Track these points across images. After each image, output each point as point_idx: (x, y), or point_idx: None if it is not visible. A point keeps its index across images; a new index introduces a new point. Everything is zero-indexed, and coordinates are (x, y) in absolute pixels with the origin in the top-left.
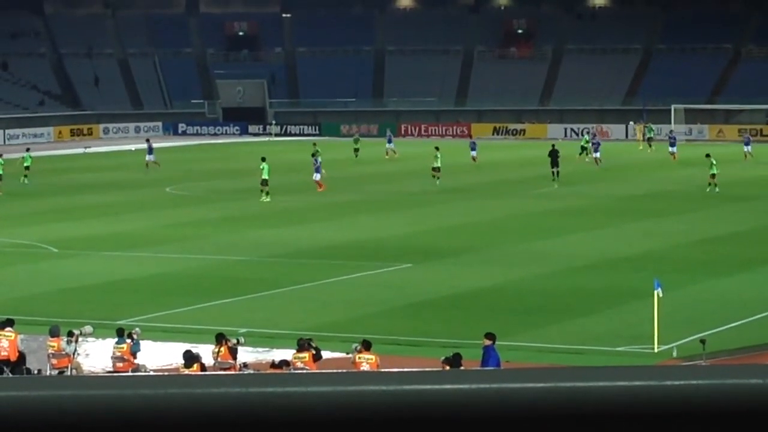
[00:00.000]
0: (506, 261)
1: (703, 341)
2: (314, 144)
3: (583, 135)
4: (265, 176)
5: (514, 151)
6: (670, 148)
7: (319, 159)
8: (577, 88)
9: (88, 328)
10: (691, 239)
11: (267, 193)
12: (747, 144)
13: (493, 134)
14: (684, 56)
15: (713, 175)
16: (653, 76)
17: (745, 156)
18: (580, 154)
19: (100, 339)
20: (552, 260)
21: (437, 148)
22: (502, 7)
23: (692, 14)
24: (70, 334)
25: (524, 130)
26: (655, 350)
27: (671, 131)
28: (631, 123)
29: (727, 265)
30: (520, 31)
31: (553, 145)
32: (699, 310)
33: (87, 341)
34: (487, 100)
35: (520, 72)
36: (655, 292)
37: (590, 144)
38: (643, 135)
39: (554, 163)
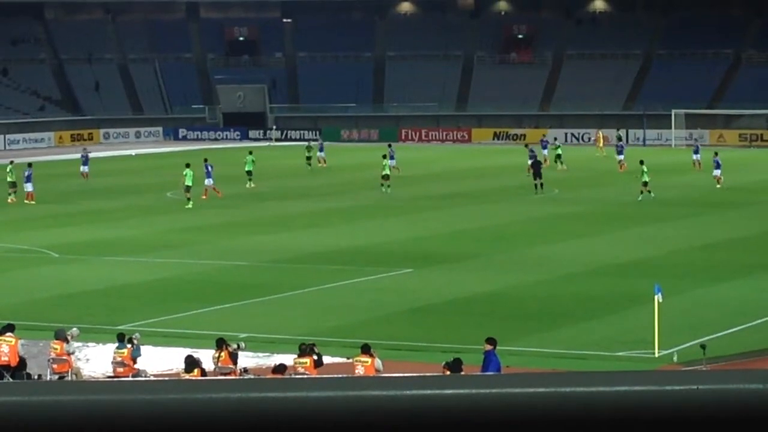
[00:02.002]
0: (507, 266)
1: (703, 346)
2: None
3: (555, 142)
4: (188, 183)
5: (514, 157)
6: (618, 156)
7: (211, 166)
8: (578, 93)
9: (75, 330)
10: (691, 245)
11: (188, 200)
12: (696, 152)
13: (493, 139)
14: (684, 61)
15: (645, 183)
16: (653, 81)
17: (694, 164)
18: (555, 161)
19: (100, 344)
20: (552, 265)
21: (385, 156)
22: (503, 13)
23: (692, 20)
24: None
25: (525, 135)
26: (656, 355)
27: (619, 137)
28: (596, 130)
29: (727, 270)
30: (520, 37)
31: (535, 156)
32: (699, 315)
33: (87, 346)
34: (488, 105)
35: (521, 77)
36: (656, 297)
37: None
38: (605, 142)
39: (537, 174)
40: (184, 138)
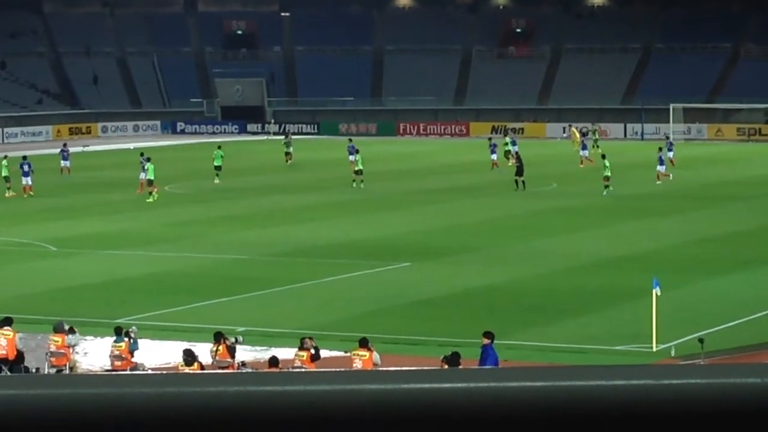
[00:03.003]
0: (505, 260)
1: (701, 340)
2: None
3: (506, 136)
4: (150, 176)
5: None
6: (582, 152)
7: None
8: (576, 87)
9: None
10: (689, 239)
11: (151, 194)
12: (670, 149)
13: (492, 133)
14: (683, 56)
15: (607, 177)
16: (652, 75)
17: (671, 162)
18: (506, 157)
19: (98, 338)
20: (551, 259)
21: (358, 151)
22: (501, 7)
23: (691, 14)
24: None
25: (523, 129)
26: (654, 349)
27: (584, 133)
28: (569, 125)
29: (725, 264)
30: (518, 31)
31: (517, 153)
32: (697, 309)
33: (85, 340)
34: (486, 99)
35: (519, 71)
36: (654, 291)
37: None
38: (583, 136)
39: (519, 171)
40: (183, 132)
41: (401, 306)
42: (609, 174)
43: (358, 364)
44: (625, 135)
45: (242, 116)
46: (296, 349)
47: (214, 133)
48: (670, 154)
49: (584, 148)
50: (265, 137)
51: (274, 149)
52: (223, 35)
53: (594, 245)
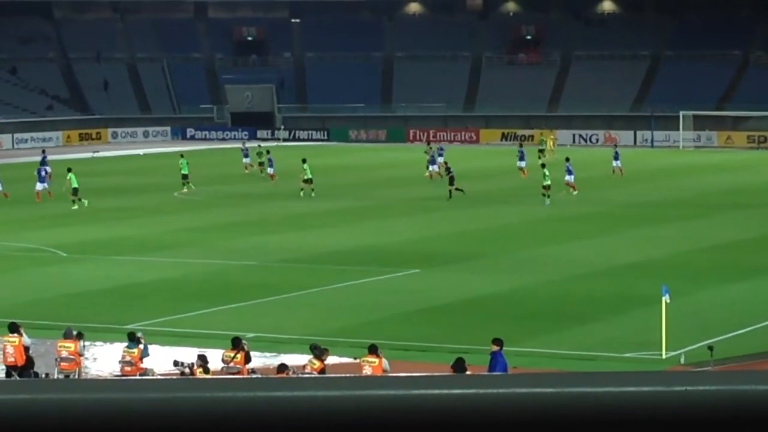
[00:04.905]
0: (514, 267)
1: (710, 348)
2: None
3: (430, 144)
4: (74, 185)
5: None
6: (433, 164)
7: (48, 169)
8: (586, 94)
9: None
10: (699, 246)
11: (74, 202)
12: (616, 158)
13: (501, 140)
14: (692, 63)
15: (546, 187)
16: (662, 82)
17: (614, 171)
18: (427, 168)
19: (107, 343)
20: (559, 266)
21: (304, 160)
22: (511, 13)
23: (701, 21)
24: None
25: (532, 136)
26: (663, 357)
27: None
28: (548, 131)
29: (734, 271)
30: (528, 37)
31: (446, 163)
32: (707, 316)
33: (94, 345)
34: (496, 105)
35: (529, 78)
36: (663, 299)
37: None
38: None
39: (451, 180)
40: (192, 138)
41: (410, 312)
42: (549, 183)
43: (367, 371)
44: (635, 142)
45: (252, 122)
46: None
47: (223, 139)
48: (617, 163)
49: (521, 159)
50: (275, 143)
51: (283, 156)
52: (233, 41)
53: (603, 252)
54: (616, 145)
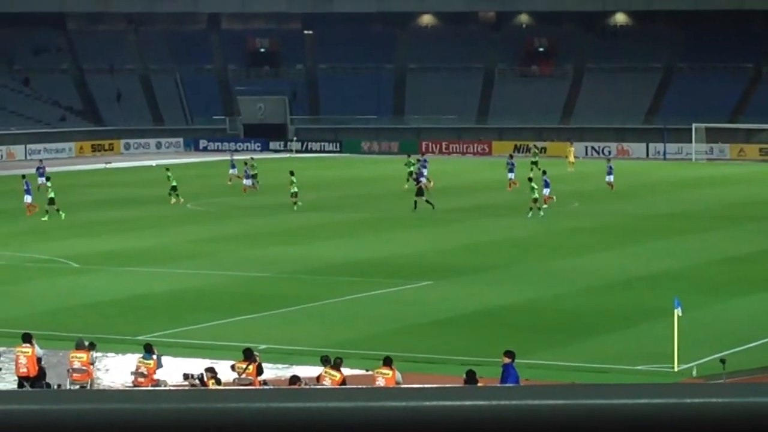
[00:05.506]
0: (526, 279)
1: (723, 361)
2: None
3: (410, 157)
4: (51, 195)
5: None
6: (509, 175)
7: (30, 183)
8: (598, 106)
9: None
10: (711, 258)
11: (47, 212)
12: (609, 173)
13: (514, 152)
14: (705, 75)
15: (535, 200)
16: (674, 94)
17: (612, 186)
18: (407, 180)
19: (119, 354)
20: (572, 279)
21: (292, 173)
22: (524, 25)
23: (713, 33)
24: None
25: (545, 148)
26: (675, 369)
27: (510, 155)
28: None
29: (747, 284)
30: (541, 49)
31: (418, 173)
32: (719, 329)
33: (107, 356)
34: (508, 117)
35: (541, 90)
36: (675, 312)
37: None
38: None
39: (419, 192)
40: (205, 149)
41: (422, 324)
42: (537, 196)
43: (380, 383)
44: (647, 155)
45: (265, 134)
46: (328, 368)
47: (236, 150)
48: (610, 178)
49: (511, 170)
50: (288, 155)
51: (296, 167)
52: (246, 53)
53: (615, 265)
54: (609, 159)
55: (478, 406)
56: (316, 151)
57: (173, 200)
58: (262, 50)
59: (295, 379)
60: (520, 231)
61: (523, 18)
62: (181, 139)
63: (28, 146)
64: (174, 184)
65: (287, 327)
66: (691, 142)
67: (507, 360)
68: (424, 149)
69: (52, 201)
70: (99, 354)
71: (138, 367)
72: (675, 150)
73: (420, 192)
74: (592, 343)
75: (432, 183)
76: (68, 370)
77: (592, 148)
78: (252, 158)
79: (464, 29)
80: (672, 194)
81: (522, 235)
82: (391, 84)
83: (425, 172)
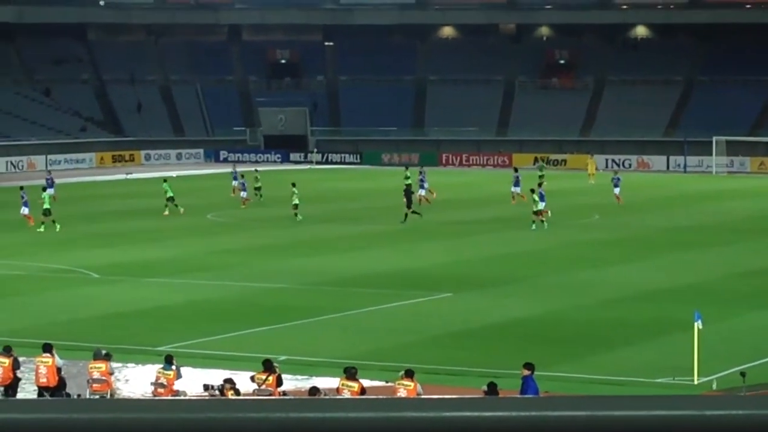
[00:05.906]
0: (546, 291)
1: (743, 374)
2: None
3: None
4: (46, 206)
5: (554, 182)
6: (514, 188)
7: (27, 194)
8: (619, 119)
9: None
10: (732, 271)
11: (43, 223)
12: (616, 186)
13: (534, 164)
14: (726, 88)
15: (538, 212)
16: (695, 107)
17: (618, 199)
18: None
19: (139, 365)
20: (591, 291)
21: (294, 184)
22: (544, 38)
23: (733, 46)
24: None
25: (565, 161)
26: (695, 382)
27: (515, 169)
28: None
29: (767, 297)
30: (561, 62)
31: (409, 184)
32: (739, 342)
33: (126, 367)
34: (529, 130)
35: (562, 102)
36: (695, 324)
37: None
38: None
39: (409, 203)
40: (225, 160)
41: (442, 336)
42: (540, 208)
43: (402, 395)
44: (668, 167)
45: (285, 145)
46: (343, 379)
47: (256, 161)
48: (617, 191)
49: (516, 184)
50: (308, 166)
51: (316, 179)
52: (267, 64)
53: (635, 277)
54: (616, 171)
55: (498, 417)
56: (336, 163)
57: (167, 212)
58: (283, 62)
59: (314, 391)
60: (540, 243)
61: (544, 30)
62: (201, 150)
63: (49, 156)
64: (170, 195)
65: (307, 338)
66: (711, 155)
67: (526, 372)
68: (444, 161)
69: (46, 212)
70: (118, 364)
71: (158, 378)
72: (695, 163)
73: (409, 204)
74: (611, 356)
75: (435, 194)
76: (88, 381)
77: (613, 160)
78: (257, 170)
79: (484, 41)
80: (692, 207)
81: (541, 247)
82: (411, 96)
83: (426, 185)
